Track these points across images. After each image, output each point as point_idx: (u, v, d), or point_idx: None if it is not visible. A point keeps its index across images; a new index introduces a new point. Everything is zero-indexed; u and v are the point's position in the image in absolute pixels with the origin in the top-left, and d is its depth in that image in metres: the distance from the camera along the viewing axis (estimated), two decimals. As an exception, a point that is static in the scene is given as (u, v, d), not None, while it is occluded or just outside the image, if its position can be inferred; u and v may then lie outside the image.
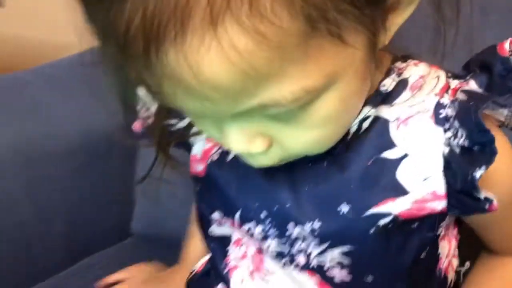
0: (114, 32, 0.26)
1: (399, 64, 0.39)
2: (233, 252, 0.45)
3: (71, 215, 0.72)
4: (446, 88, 0.38)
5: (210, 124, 0.35)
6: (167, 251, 0.63)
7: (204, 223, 0.47)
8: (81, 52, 0.91)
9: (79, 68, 0.82)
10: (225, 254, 0.45)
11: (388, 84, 0.38)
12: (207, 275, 0.48)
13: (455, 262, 0.45)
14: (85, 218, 0.74)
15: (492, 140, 0.34)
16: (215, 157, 0.44)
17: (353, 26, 0.28)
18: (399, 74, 0.38)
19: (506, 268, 0.46)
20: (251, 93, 0.28)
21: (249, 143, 0.33)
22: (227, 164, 0.43)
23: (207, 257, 0.49)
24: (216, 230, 0.46)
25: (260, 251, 0.43)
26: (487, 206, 0.36)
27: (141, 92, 0.42)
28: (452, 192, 0.37)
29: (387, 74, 0.38)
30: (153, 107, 0.46)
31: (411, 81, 0.38)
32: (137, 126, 0.49)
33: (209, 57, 0.26)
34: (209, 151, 0.45)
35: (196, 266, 0.51)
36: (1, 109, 0.69)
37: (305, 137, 0.33)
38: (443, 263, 0.43)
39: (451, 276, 0.45)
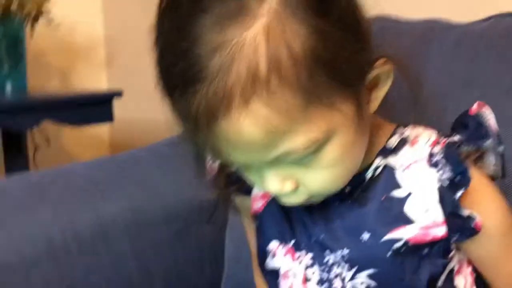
0: (189, 116, 0.41)
1: (400, 129, 0.52)
2: (283, 285, 0.54)
3: (168, 276, 0.82)
4: (436, 142, 0.49)
5: (253, 173, 0.46)
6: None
7: (261, 258, 0.56)
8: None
9: (182, 146, 0.96)
10: (277, 286, 0.55)
11: (393, 142, 0.51)
12: None
13: None
14: (180, 279, 0.84)
15: (466, 169, 0.47)
16: (272, 196, 0.54)
17: (340, 100, 0.42)
18: (401, 134, 0.51)
19: None
20: (275, 145, 0.41)
21: (281, 185, 0.45)
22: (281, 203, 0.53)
23: None
24: (270, 262, 0.55)
25: (305, 280, 0.52)
26: (473, 224, 0.47)
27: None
28: (449, 218, 0.47)
29: (392, 135, 0.51)
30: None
31: (410, 139, 0.50)
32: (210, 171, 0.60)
33: (245, 124, 0.40)
34: None
35: None
36: (116, 181, 0.84)
37: (321, 176, 0.45)
38: None
39: None
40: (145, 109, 1.53)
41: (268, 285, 0.58)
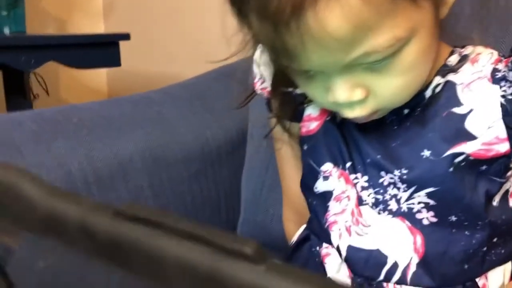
0: (269, 10, 0.38)
1: (459, 49, 0.51)
2: (333, 208, 0.53)
3: (186, 215, 0.81)
4: (500, 60, 0.49)
5: (318, 84, 0.44)
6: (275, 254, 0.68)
7: (310, 180, 0.55)
8: (198, 76, 1.03)
9: (197, 89, 0.94)
10: (326, 209, 0.53)
11: (453, 60, 0.50)
12: (306, 240, 0.54)
13: None
14: (198, 219, 0.82)
15: None
16: (329, 117, 0.54)
17: None
18: (460, 53, 0.50)
19: None
20: (359, 43, 0.39)
21: (351, 93, 0.43)
22: (337, 124, 0.53)
23: (303, 227, 0.55)
24: (321, 185, 0.54)
25: (359, 203, 0.51)
26: None
27: (256, 69, 0.53)
28: None
29: (451, 54, 0.50)
30: (268, 80, 0.57)
31: (470, 57, 0.49)
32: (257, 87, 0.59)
33: (332, 15, 0.37)
34: (325, 110, 0.54)
35: (294, 238, 0.57)
36: (130, 120, 0.81)
37: (394, 84, 0.44)
38: None
39: None
40: (143, 59, 1.51)
41: (314, 209, 0.56)
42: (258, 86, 0.58)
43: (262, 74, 0.58)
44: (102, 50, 1.16)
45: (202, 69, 1.00)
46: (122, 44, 1.22)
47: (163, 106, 0.87)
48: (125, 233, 0.17)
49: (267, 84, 0.57)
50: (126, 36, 1.17)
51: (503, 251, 0.51)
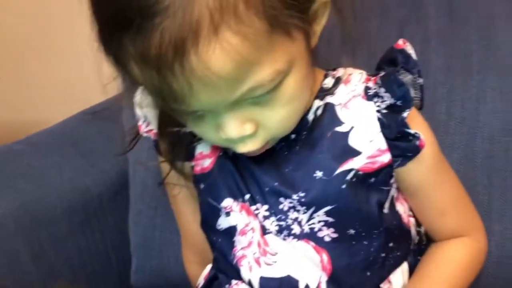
0: (149, 54, 0.38)
1: (331, 72, 0.54)
2: (240, 242, 0.52)
3: (74, 272, 0.74)
4: (369, 79, 0.52)
5: (208, 123, 0.44)
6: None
7: (211, 219, 0.54)
8: (66, 120, 0.96)
9: (66, 134, 0.88)
10: (232, 245, 0.53)
11: (328, 82, 0.53)
12: (214, 280, 0.53)
13: (413, 220, 0.57)
14: (86, 274, 0.76)
15: (408, 90, 0.50)
16: (221, 152, 0.53)
17: (295, 26, 0.42)
18: (334, 76, 0.53)
19: (440, 250, 0.56)
20: (243, 80, 0.40)
21: (241, 128, 0.44)
22: (230, 158, 0.52)
23: (208, 267, 0.54)
24: (223, 222, 0.53)
25: (263, 232, 0.51)
26: (417, 143, 0.50)
27: (139, 112, 0.50)
28: (391, 145, 0.50)
29: (325, 77, 0.53)
30: (153, 122, 0.55)
31: (343, 78, 0.53)
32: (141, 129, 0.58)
33: (215, 55, 0.38)
34: (216, 147, 0.54)
35: (200, 280, 0.55)
36: (1, 176, 0.73)
37: (280, 114, 0.45)
38: (404, 219, 0.55)
39: (413, 231, 0.57)
40: None
41: (219, 247, 0.55)
42: (143, 129, 0.57)
43: (146, 116, 0.56)
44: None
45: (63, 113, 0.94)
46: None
47: (32, 158, 0.80)
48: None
49: (153, 126, 0.56)
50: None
51: (398, 253, 0.55)
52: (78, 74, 1.26)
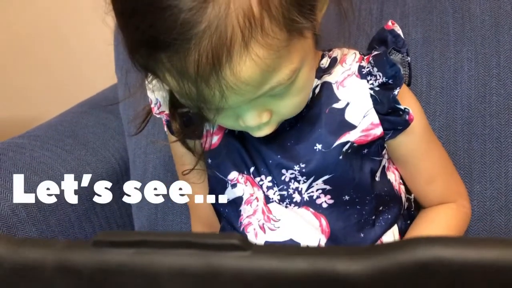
0: (188, 70, 0.41)
1: (327, 52, 0.58)
2: (246, 211, 0.57)
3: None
4: (362, 58, 0.56)
5: (228, 114, 0.49)
6: None
7: (219, 191, 0.58)
8: (63, 112, 0.99)
9: (66, 126, 0.91)
10: (238, 214, 0.58)
11: (325, 62, 0.57)
12: None
13: (403, 188, 0.62)
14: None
15: (399, 69, 0.53)
16: (227, 130, 0.58)
17: (306, 27, 0.45)
18: (330, 56, 0.57)
19: (430, 213, 0.60)
20: (266, 82, 0.45)
21: (259, 118, 0.49)
22: (236, 135, 0.57)
23: None
24: (230, 193, 0.58)
25: (267, 201, 0.56)
26: (407, 117, 0.54)
27: (151, 95, 0.54)
28: (383, 119, 0.54)
29: (322, 58, 0.57)
30: (164, 103, 0.58)
31: (338, 58, 0.57)
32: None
33: (246, 66, 0.42)
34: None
35: None
36: (10, 169, 0.76)
37: (293, 102, 0.49)
38: (395, 187, 0.60)
39: (403, 197, 0.61)
40: None
41: (227, 216, 0.59)
42: (156, 111, 0.60)
43: (157, 98, 0.60)
44: None
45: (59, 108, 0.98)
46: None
47: (34, 151, 0.83)
48: (111, 259, 0.18)
49: (165, 108, 0.59)
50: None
51: (389, 216, 0.59)
52: (76, 74, 1.29)
